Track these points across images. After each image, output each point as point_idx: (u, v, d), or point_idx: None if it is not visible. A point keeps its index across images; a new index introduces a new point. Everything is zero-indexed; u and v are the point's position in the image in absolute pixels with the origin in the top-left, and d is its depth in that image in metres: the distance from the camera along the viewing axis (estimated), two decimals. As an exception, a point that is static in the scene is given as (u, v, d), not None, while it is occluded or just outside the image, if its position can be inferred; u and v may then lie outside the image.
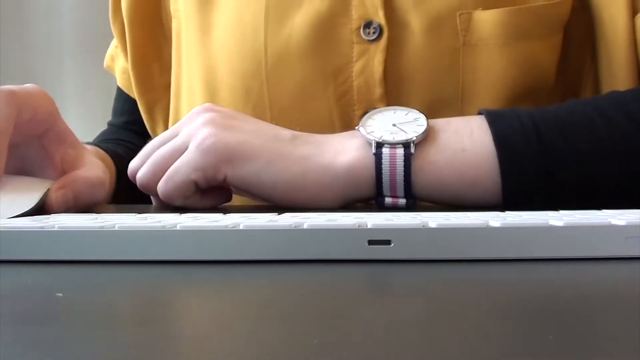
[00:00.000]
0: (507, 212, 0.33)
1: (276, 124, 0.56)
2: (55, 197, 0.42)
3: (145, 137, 0.69)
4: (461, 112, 0.55)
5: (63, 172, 0.46)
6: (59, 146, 0.46)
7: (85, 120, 1.34)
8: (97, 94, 1.37)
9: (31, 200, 0.41)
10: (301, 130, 0.56)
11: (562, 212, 0.33)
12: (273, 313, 0.18)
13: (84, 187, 0.45)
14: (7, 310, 0.18)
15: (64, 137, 0.46)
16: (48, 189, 0.43)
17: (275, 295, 0.21)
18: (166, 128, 0.66)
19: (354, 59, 0.55)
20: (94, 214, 0.33)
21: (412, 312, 0.18)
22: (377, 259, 0.25)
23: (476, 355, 0.14)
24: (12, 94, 0.42)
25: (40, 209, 0.41)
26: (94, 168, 0.47)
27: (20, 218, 0.31)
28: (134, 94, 0.68)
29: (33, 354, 0.14)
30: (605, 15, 0.56)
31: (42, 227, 0.26)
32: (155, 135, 0.67)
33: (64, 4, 1.42)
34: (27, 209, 0.39)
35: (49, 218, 0.31)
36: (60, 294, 0.20)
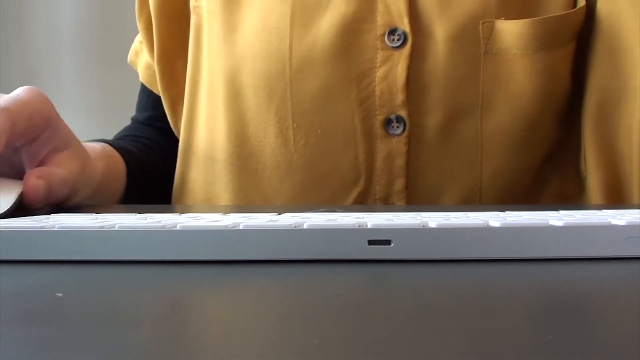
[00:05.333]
0: (507, 212, 0.33)
1: (297, 127, 0.56)
2: (35, 186, 0.42)
3: (167, 134, 0.69)
4: (481, 119, 0.56)
5: None
6: (45, 147, 0.46)
7: (85, 120, 1.34)
8: (96, 94, 1.37)
9: (7, 201, 0.40)
10: (322, 133, 0.56)
11: (562, 212, 0.33)
12: (273, 313, 0.18)
13: (58, 182, 0.45)
14: (7, 310, 0.18)
15: (54, 138, 0.47)
16: (22, 191, 0.42)
17: (275, 295, 0.21)
18: None
19: (378, 64, 0.56)
20: (94, 214, 0.33)
21: (412, 312, 0.18)
22: (377, 259, 0.25)
23: (476, 355, 0.14)
24: (4, 111, 0.42)
25: (15, 210, 0.41)
26: (64, 169, 0.47)
27: (20, 218, 0.31)
28: (157, 89, 0.67)
29: (33, 354, 0.14)
30: (604, 7, 0.56)
31: (42, 227, 0.26)
32: (178, 130, 0.67)
33: (64, 4, 1.42)
34: (5, 210, 0.39)
35: (49, 218, 0.31)
36: (60, 294, 0.20)
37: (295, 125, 0.57)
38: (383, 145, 0.56)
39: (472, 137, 0.56)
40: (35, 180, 0.43)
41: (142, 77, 0.71)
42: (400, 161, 0.56)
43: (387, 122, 0.56)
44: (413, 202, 0.57)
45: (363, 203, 0.57)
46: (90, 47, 1.39)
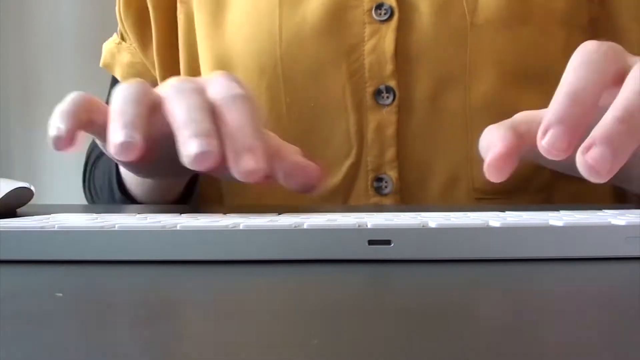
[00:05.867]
0: (507, 212, 0.33)
1: (290, 101, 0.58)
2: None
3: None
4: (468, 88, 0.57)
5: None
6: None
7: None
8: (97, 94, 1.37)
9: None
10: (315, 106, 0.58)
11: (562, 212, 0.33)
12: (273, 313, 0.18)
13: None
14: (7, 310, 0.18)
15: None
16: (10, 191, 0.42)
17: (276, 295, 0.21)
18: None
19: (366, 38, 0.57)
20: (94, 214, 0.33)
21: (412, 312, 0.18)
22: (377, 259, 0.25)
23: (476, 355, 0.14)
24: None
25: (6, 209, 0.41)
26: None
27: (20, 218, 0.31)
28: (158, 80, 0.67)
29: (33, 354, 0.14)
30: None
31: (42, 227, 0.26)
32: None
33: (64, 4, 1.42)
34: None
35: (49, 218, 0.31)
36: (60, 294, 0.20)
37: (288, 99, 0.58)
38: (373, 116, 0.58)
39: (460, 108, 0.57)
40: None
41: (124, 76, 0.70)
42: (390, 130, 0.57)
43: (377, 93, 0.57)
44: (405, 173, 0.58)
45: (355, 175, 0.58)
46: (90, 47, 1.39)
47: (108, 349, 0.15)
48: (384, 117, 0.57)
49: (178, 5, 0.65)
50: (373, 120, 0.58)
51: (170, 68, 0.66)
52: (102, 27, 1.38)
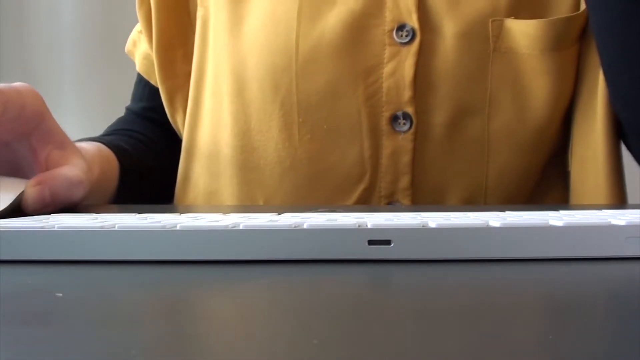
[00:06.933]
0: (507, 212, 0.33)
1: (303, 122, 0.56)
2: (31, 194, 0.41)
3: (162, 126, 0.68)
4: (488, 118, 0.56)
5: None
6: (45, 146, 0.45)
7: (85, 120, 1.34)
8: (96, 94, 1.37)
9: (5, 200, 0.40)
10: (328, 128, 0.56)
11: (562, 212, 0.33)
12: (273, 313, 0.18)
13: (62, 185, 0.43)
14: (7, 310, 0.18)
15: (51, 136, 0.45)
16: (23, 190, 0.41)
17: (275, 295, 0.21)
18: (185, 116, 0.65)
19: (385, 60, 0.56)
20: (94, 214, 0.33)
21: (412, 312, 0.18)
22: (377, 259, 0.25)
23: (476, 355, 0.14)
24: None
25: (16, 209, 0.40)
26: (76, 168, 0.45)
27: (20, 218, 0.31)
28: (155, 79, 0.67)
29: (33, 354, 0.14)
30: None
31: (42, 227, 0.26)
32: (175, 122, 0.66)
33: (64, 4, 1.42)
34: (1, 210, 0.38)
35: (49, 218, 0.31)
36: (60, 294, 0.20)
37: (301, 119, 0.57)
38: (389, 142, 0.56)
39: (478, 136, 0.56)
40: (32, 187, 0.41)
41: (139, 67, 0.70)
42: (406, 158, 0.56)
43: (394, 119, 0.56)
44: (418, 200, 0.57)
45: (367, 200, 0.57)
46: (90, 47, 1.39)
47: (108, 349, 0.15)
48: (400, 144, 0.56)
49: (198, 7, 0.64)
50: (388, 146, 0.56)
51: (168, 70, 0.65)
52: (102, 27, 1.39)
